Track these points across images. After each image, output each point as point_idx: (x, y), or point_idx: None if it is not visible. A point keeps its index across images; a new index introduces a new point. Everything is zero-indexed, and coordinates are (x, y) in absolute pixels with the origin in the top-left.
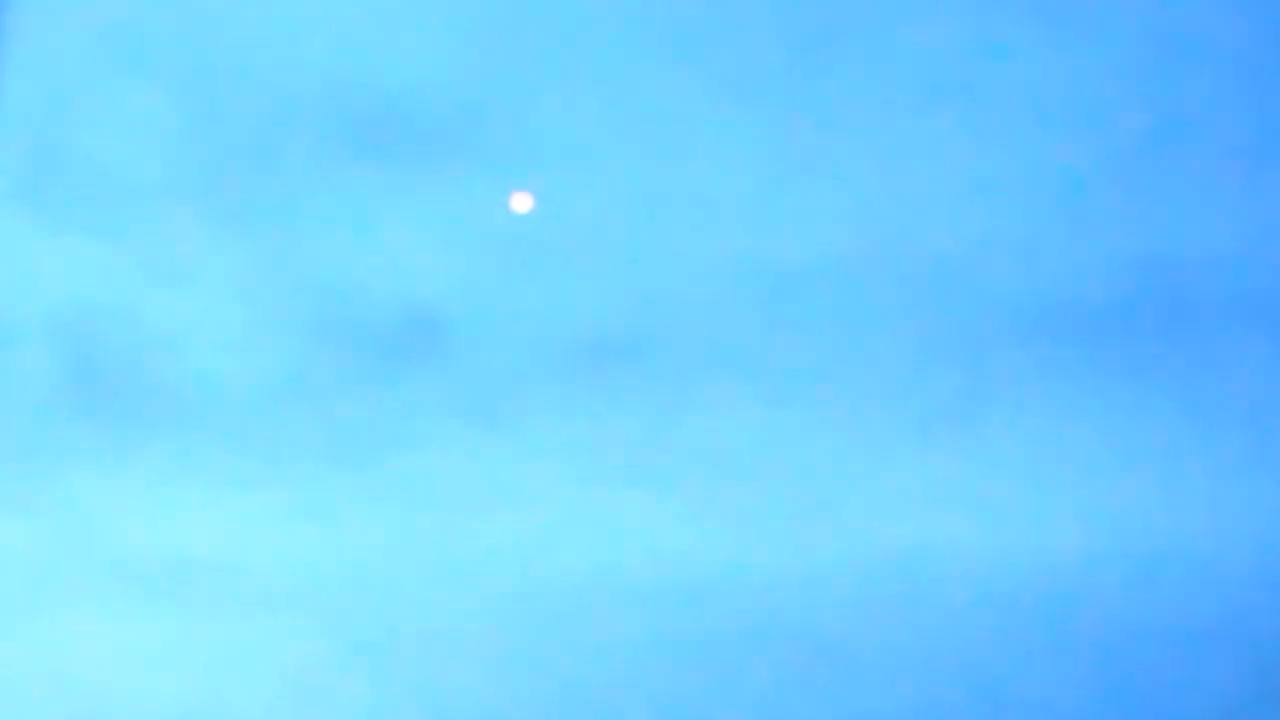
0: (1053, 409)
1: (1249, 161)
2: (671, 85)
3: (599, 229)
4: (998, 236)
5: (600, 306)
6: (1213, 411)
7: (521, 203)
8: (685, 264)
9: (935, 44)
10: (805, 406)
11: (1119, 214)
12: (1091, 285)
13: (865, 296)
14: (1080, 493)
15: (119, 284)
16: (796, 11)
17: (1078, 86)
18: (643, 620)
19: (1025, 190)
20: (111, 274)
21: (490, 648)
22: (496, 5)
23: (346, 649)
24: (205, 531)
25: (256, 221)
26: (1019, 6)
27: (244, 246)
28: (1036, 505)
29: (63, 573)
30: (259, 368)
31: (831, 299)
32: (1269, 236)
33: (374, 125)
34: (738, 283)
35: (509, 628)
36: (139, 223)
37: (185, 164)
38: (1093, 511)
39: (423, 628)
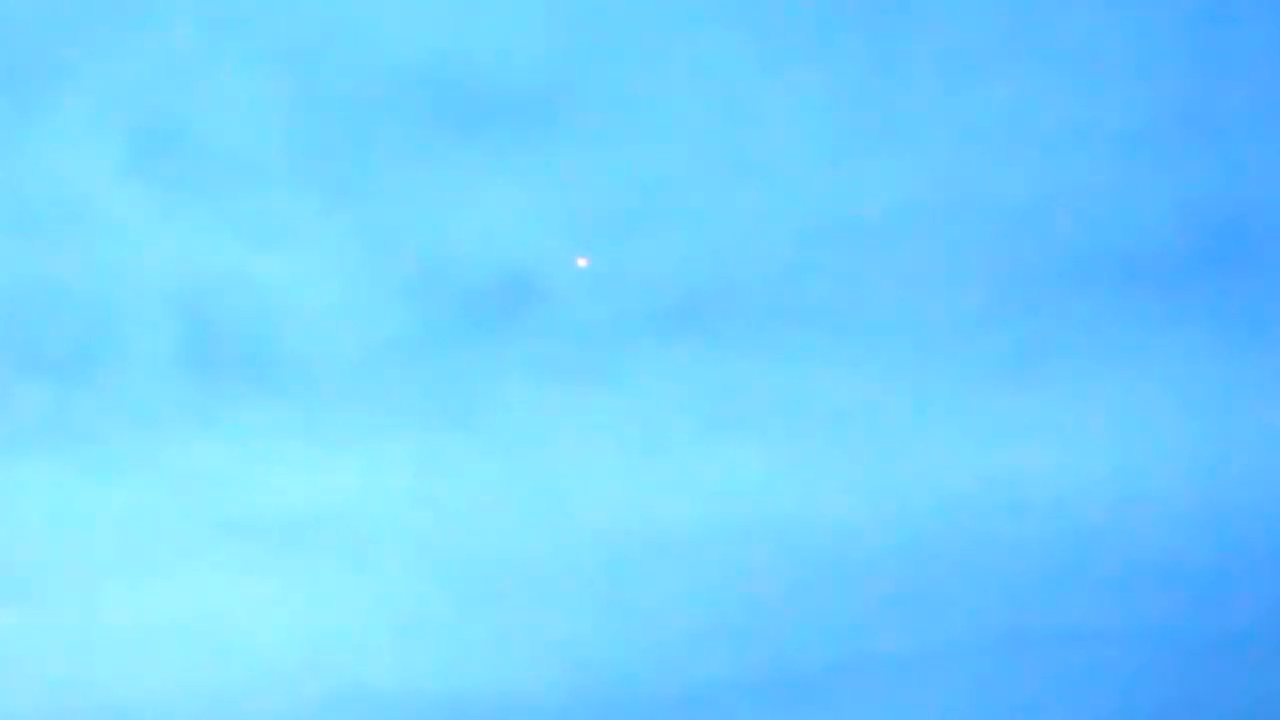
0: (1118, 350)
1: None
2: (748, 55)
3: (684, 193)
4: (1064, 189)
5: (686, 266)
6: (1274, 349)
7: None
8: (767, 223)
9: (1000, 6)
10: (884, 353)
11: (1179, 164)
12: (1154, 233)
13: (939, 249)
14: (1146, 429)
15: (231, 255)
16: None
17: (1137, 42)
18: (734, 557)
19: (1090, 143)
20: (224, 245)
21: (590, 588)
22: None
23: (454, 595)
24: (316, 486)
25: (361, 193)
26: None
27: (350, 217)
28: (1104, 443)
29: (183, 528)
30: (366, 332)
31: (907, 252)
32: None
33: (469, 100)
34: (818, 239)
35: (607, 569)
36: (250, 197)
37: (292, 140)
38: (1157, 446)
39: (527, 573)
